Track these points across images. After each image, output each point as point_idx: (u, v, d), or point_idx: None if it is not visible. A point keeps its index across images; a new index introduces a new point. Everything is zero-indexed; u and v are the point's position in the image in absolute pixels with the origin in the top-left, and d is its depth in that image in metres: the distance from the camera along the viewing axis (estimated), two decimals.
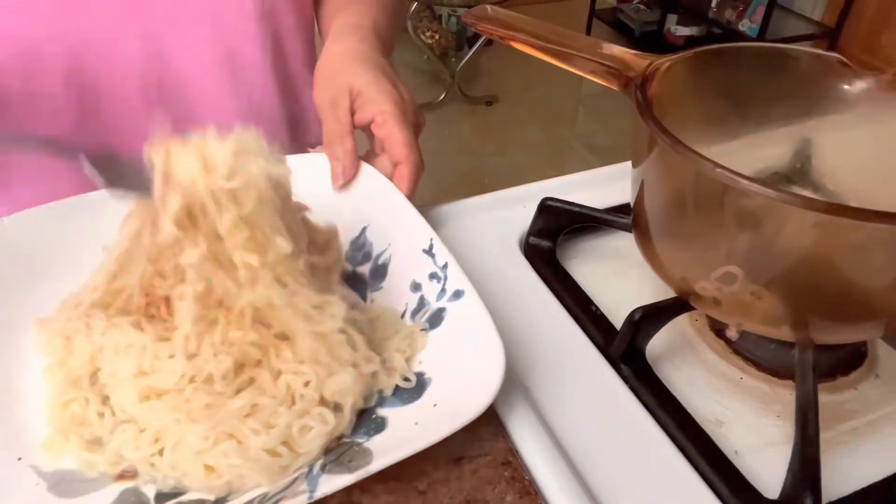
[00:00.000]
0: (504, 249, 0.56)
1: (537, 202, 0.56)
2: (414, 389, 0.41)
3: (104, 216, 0.49)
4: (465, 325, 0.42)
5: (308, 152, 0.55)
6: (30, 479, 0.36)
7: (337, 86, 0.52)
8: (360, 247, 0.51)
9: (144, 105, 0.60)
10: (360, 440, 0.38)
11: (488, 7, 0.56)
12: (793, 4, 3.01)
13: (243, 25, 0.61)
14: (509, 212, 0.59)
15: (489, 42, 2.84)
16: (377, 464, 0.35)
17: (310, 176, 0.53)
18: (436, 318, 0.44)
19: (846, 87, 0.48)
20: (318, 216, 0.52)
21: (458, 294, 0.43)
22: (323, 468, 0.36)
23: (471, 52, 2.76)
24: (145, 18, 0.57)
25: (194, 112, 0.63)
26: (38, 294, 0.45)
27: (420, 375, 0.42)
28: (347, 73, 0.53)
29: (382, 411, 0.40)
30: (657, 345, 0.47)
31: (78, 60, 0.56)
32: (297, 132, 0.70)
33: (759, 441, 0.42)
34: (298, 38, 0.67)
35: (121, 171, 0.37)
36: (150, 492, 0.36)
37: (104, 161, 0.38)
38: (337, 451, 0.38)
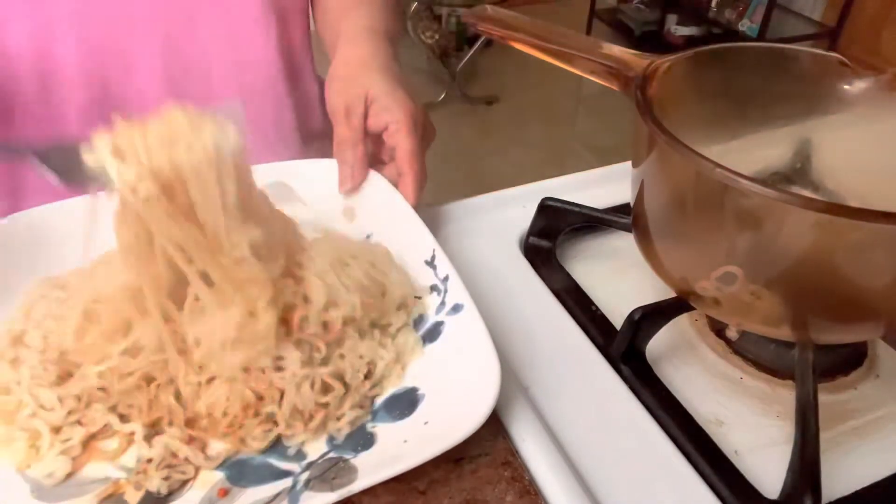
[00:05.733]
0: (504, 249, 0.56)
1: (537, 202, 0.56)
2: (406, 405, 0.41)
3: (105, 218, 0.50)
4: (463, 341, 0.42)
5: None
6: (14, 480, 0.36)
7: (352, 92, 0.53)
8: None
9: (154, 89, 0.61)
10: (348, 456, 0.38)
11: (488, 7, 0.56)
12: (793, 4, 3.00)
13: (247, 9, 0.62)
14: (509, 212, 0.59)
15: (489, 42, 2.84)
16: (360, 483, 0.35)
17: (316, 181, 0.53)
18: (434, 332, 0.44)
19: (846, 87, 0.47)
20: (323, 221, 0.52)
21: (457, 308, 0.43)
22: (307, 484, 0.36)
23: (471, 52, 2.76)
24: (153, 2, 0.58)
25: (203, 96, 0.63)
26: None
27: (414, 390, 0.42)
28: (364, 79, 0.53)
29: (373, 426, 0.40)
30: (657, 345, 0.47)
31: (90, 46, 0.57)
32: (303, 115, 0.70)
33: (759, 441, 0.42)
34: (299, 21, 0.67)
35: (74, 161, 0.36)
36: (133, 499, 0.36)
37: (56, 153, 0.38)
38: (322, 467, 0.37)
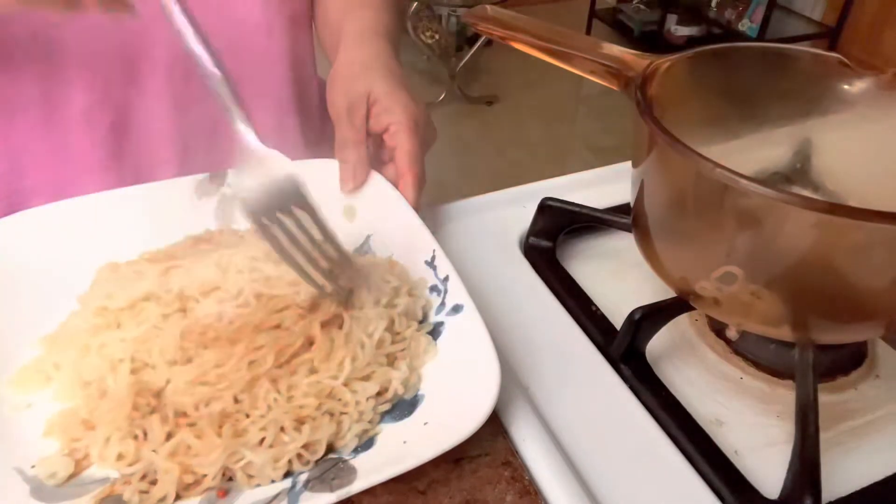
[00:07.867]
0: (504, 249, 0.56)
1: (537, 202, 0.56)
2: (406, 406, 0.41)
3: (106, 218, 0.50)
4: (463, 342, 0.42)
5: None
6: (13, 480, 0.36)
7: (354, 93, 0.53)
8: (363, 255, 0.51)
9: (157, 91, 0.60)
10: (347, 456, 0.38)
11: (488, 7, 0.56)
12: (793, 4, 3.00)
13: (251, 15, 0.62)
14: (509, 212, 0.59)
15: (489, 42, 2.84)
16: (359, 484, 0.35)
17: (317, 181, 0.53)
18: (434, 333, 0.44)
19: (846, 87, 0.48)
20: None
21: (457, 308, 0.43)
22: (306, 485, 0.36)
23: (471, 52, 2.76)
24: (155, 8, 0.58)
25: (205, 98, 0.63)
26: (37, 295, 0.46)
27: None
28: (366, 80, 0.53)
29: (373, 427, 0.40)
30: (657, 345, 0.47)
31: (94, 42, 0.57)
32: (304, 118, 0.70)
33: (759, 441, 0.42)
34: (304, 29, 0.67)
35: None
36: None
37: None
38: (322, 468, 0.37)
